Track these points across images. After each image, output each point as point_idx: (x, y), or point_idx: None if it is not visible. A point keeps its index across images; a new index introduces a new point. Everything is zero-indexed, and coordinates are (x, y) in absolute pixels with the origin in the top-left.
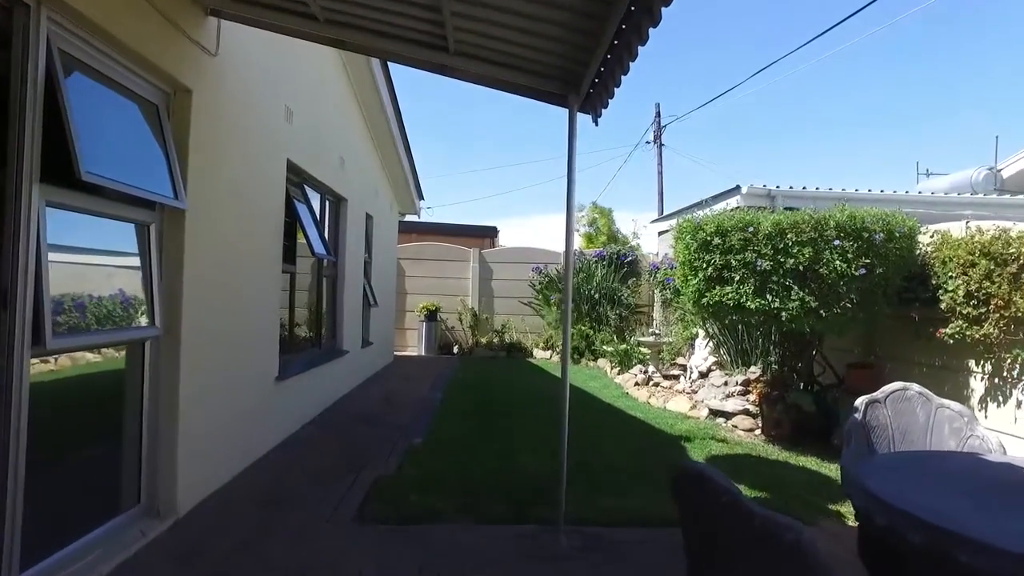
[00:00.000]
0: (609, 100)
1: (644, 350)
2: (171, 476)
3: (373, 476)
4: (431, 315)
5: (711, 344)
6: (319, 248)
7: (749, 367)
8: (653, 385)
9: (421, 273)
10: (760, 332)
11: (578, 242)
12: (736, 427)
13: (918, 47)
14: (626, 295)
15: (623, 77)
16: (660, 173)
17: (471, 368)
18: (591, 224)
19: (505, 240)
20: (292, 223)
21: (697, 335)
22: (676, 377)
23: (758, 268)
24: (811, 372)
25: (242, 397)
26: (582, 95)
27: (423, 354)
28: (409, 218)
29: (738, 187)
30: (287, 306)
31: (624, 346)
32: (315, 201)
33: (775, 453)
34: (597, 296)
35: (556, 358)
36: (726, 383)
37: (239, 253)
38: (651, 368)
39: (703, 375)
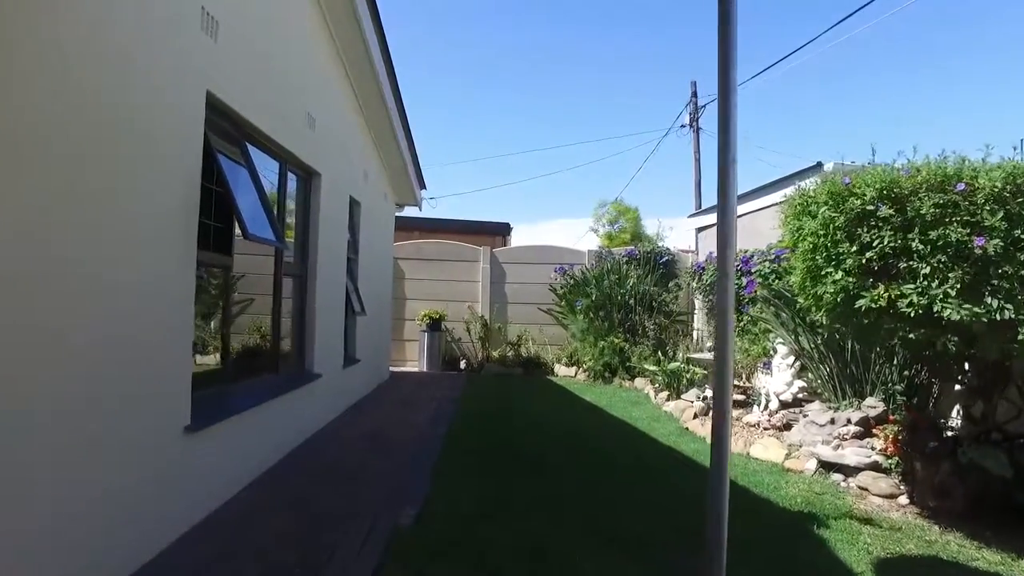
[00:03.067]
0: None
1: (698, 370)
2: None
3: None
4: (434, 324)
5: (796, 364)
6: (257, 229)
7: (863, 398)
8: None
9: (423, 275)
10: (882, 349)
11: (596, 242)
12: (866, 490)
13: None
14: (668, 301)
15: None
16: (698, 160)
17: (482, 389)
18: (613, 223)
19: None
20: (223, 194)
21: (774, 351)
22: (742, 405)
23: (974, 251)
24: (993, 415)
25: (94, 473)
26: None
27: (425, 370)
28: (408, 212)
29: (819, 164)
30: (219, 316)
31: (674, 364)
32: (270, 171)
33: (973, 551)
34: (632, 302)
35: (582, 376)
36: (832, 420)
37: (90, 224)
38: (708, 392)
39: (786, 405)
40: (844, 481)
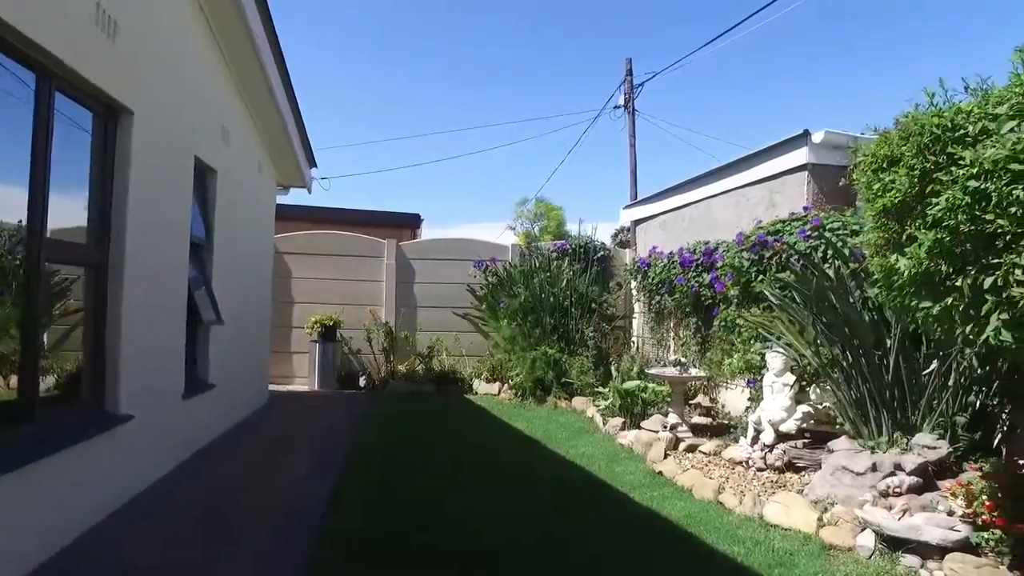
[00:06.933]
0: None
1: (659, 388)
2: None
3: None
4: (328, 332)
5: (795, 382)
6: None
7: (909, 432)
8: (687, 451)
9: (314, 274)
10: (938, 360)
11: (513, 240)
12: None
13: None
14: (609, 303)
15: None
16: (633, 146)
17: (386, 415)
18: (534, 220)
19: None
20: None
21: (767, 365)
22: (715, 432)
23: None
24: None
25: None
26: None
27: (316, 388)
28: (297, 199)
29: (806, 133)
30: None
31: (631, 383)
32: (16, 87)
33: None
34: (567, 304)
35: (507, 394)
36: (874, 467)
37: None
38: (672, 418)
39: (785, 437)
40: (924, 567)
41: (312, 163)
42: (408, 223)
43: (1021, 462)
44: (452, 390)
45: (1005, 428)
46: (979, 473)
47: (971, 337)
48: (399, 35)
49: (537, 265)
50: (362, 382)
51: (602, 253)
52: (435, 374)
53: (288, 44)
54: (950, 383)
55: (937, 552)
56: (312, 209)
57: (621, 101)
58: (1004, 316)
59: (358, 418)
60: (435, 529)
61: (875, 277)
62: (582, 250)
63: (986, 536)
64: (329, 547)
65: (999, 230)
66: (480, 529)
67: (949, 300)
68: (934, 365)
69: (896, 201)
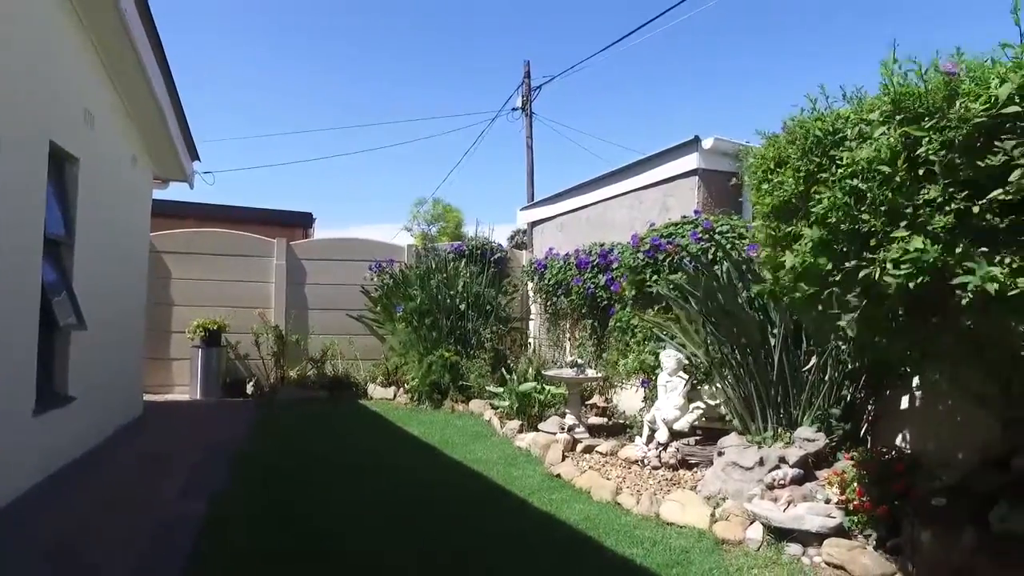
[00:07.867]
0: None
1: (556, 389)
2: None
3: None
4: (212, 337)
5: (687, 381)
6: None
7: (792, 427)
8: (584, 452)
9: (197, 275)
10: (816, 357)
11: (410, 241)
12: (843, 570)
13: None
14: (505, 304)
15: None
16: (530, 148)
17: (276, 424)
18: (432, 222)
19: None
20: None
21: (661, 365)
22: (611, 432)
23: None
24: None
25: None
26: None
27: (199, 397)
28: (179, 194)
29: (696, 139)
30: None
31: (527, 385)
32: None
33: None
34: (464, 307)
35: (403, 398)
36: (761, 461)
37: None
38: (569, 419)
39: (678, 435)
40: (805, 555)
41: (194, 156)
42: (300, 222)
43: (883, 449)
44: (346, 395)
45: (870, 418)
46: (851, 462)
47: (849, 332)
48: (297, 32)
49: (434, 267)
50: (250, 389)
51: (499, 255)
52: (328, 379)
53: (175, 35)
54: (826, 378)
55: (816, 539)
56: (196, 206)
57: (519, 103)
58: (876, 309)
59: (243, 428)
60: (322, 545)
61: (763, 275)
62: (479, 252)
63: (856, 520)
64: None
65: (872, 228)
66: (372, 543)
67: (825, 294)
68: (813, 361)
69: (783, 200)
